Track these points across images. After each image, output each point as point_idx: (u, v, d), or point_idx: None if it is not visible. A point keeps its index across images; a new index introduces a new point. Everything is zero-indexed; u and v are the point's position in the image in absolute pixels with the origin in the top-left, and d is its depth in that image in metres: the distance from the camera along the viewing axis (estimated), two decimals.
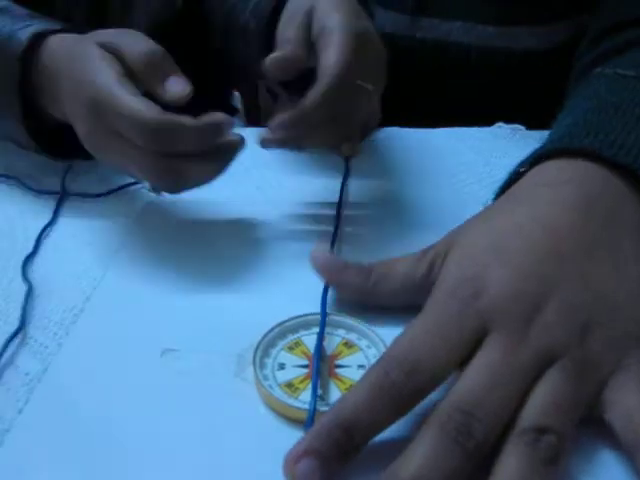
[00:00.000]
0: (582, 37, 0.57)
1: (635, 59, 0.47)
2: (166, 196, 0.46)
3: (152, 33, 0.68)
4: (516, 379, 0.27)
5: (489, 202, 0.38)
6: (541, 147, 0.37)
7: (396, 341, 0.29)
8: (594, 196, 0.33)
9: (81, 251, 0.43)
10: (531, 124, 0.56)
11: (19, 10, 0.49)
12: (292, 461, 0.26)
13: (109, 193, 0.49)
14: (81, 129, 0.42)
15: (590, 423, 0.29)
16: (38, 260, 0.43)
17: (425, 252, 0.35)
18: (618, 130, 0.35)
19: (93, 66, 0.41)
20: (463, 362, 0.28)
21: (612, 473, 0.28)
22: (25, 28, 0.46)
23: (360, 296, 0.36)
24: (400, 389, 0.27)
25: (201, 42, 0.78)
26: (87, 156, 0.44)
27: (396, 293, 0.35)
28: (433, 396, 0.28)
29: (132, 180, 0.50)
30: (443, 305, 0.30)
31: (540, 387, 0.27)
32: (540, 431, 0.26)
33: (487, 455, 0.26)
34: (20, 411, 0.31)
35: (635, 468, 0.27)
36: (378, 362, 0.28)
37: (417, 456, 0.25)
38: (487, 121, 0.59)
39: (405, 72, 0.51)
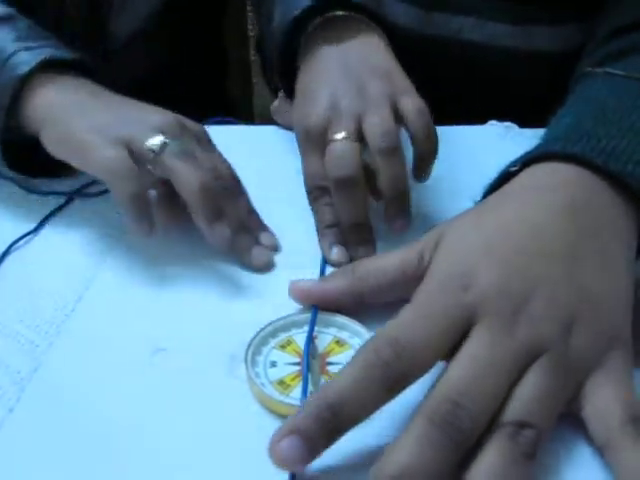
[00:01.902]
0: (590, 38, 0.57)
1: (637, 63, 0.47)
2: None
3: (151, 22, 0.66)
4: (501, 371, 0.28)
5: (478, 199, 0.38)
6: (534, 149, 0.37)
7: (386, 326, 0.29)
8: (583, 201, 0.33)
9: (73, 251, 0.43)
10: (534, 124, 0.56)
11: (24, 22, 0.48)
12: (277, 441, 0.26)
13: (101, 194, 0.49)
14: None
15: (572, 416, 0.29)
16: (30, 259, 0.42)
17: (413, 245, 0.35)
18: (611, 135, 0.36)
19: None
20: (450, 353, 0.29)
21: (592, 465, 0.28)
22: (33, 50, 0.44)
23: (349, 298, 0.35)
24: (389, 368, 0.27)
25: (199, 37, 0.78)
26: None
27: (387, 286, 0.35)
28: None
29: None
30: (433, 296, 0.31)
31: (524, 382, 0.28)
32: (521, 425, 0.26)
33: (472, 447, 0.26)
34: (11, 410, 0.31)
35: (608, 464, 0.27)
36: (368, 343, 0.29)
37: (404, 448, 0.26)
38: (488, 118, 0.59)
39: (412, 67, 0.51)
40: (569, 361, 0.29)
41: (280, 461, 0.26)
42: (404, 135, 0.45)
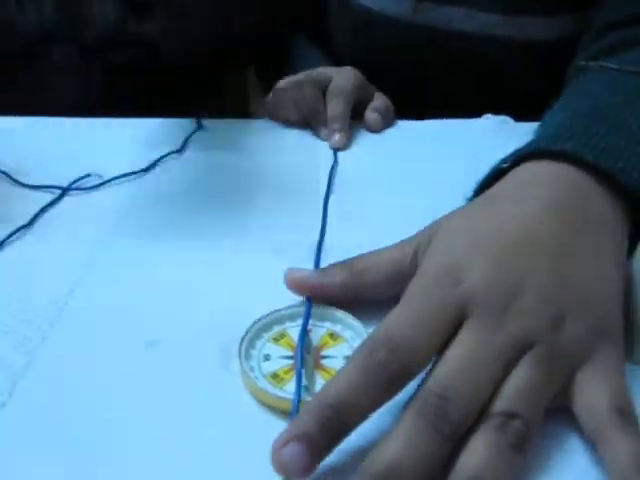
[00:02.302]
0: (586, 30, 0.57)
1: (633, 58, 0.47)
2: None
3: None
4: (490, 364, 0.28)
5: (470, 195, 0.38)
6: (526, 146, 0.37)
7: (378, 326, 0.29)
8: (573, 198, 0.34)
9: (66, 245, 0.43)
10: (528, 116, 0.56)
11: None
12: (279, 448, 0.25)
13: (95, 187, 0.49)
14: None
15: (561, 410, 0.29)
16: (23, 253, 0.42)
17: (408, 242, 0.35)
18: (603, 132, 0.36)
19: None
20: (444, 348, 0.29)
21: (581, 459, 0.28)
22: None
23: (345, 293, 0.35)
24: (385, 367, 0.27)
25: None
26: None
27: (383, 283, 0.35)
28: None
29: (117, 174, 0.50)
30: (423, 292, 0.31)
31: (512, 374, 0.28)
32: (509, 416, 0.26)
33: (461, 440, 0.26)
34: (4, 405, 0.31)
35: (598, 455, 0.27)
36: (362, 345, 0.29)
37: (392, 443, 0.26)
38: (482, 111, 0.59)
39: (402, 58, 0.51)
40: (558, 354, 0.29)
41: (284, 469, 0.25)
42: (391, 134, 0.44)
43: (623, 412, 0.27)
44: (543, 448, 0.28)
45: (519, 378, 0.28)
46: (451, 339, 0.29)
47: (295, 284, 0.36)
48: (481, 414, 0.27)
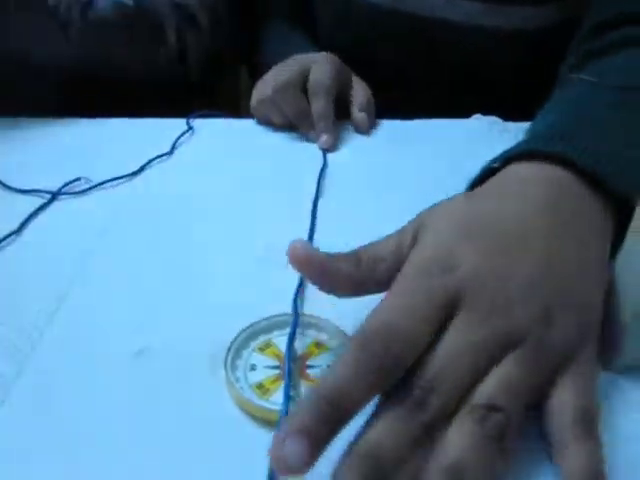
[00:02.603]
0: (571, 21, 0.57)
1: (621, 61, 0.47)
2: None
3: None
4: (475, 357, 0.28)
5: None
6: (516, 146, 0.37)
7: (368, 318, 0.29)
8: (562, 197, 0.34)
9: (56, 250, 0.43)
10: (511, 106, 0.56)
11: None
12: (279, 444, 0.25)
13: (85, 192, 0.49)
14: None
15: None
16: (13, 259, 0.42)
17: (404, 231, 0.34)
18: (591, 135, 0.36)
19: None
20: (437, 335, 0.29)
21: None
22: None
23: (352, 286, 0.33)
24: (378, 357, 0.27)
25: None
26: None
27: (389, 274, 0.33)
28: None
29: (107, 177, 0.50)
30: (413, 282, 0.30)
31: (497, 368, 0.28)
32: (489, 409, 0.27)
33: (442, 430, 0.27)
34: None
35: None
36: (354, 336, 0.28)
37: (373, 432, 0.26)
38: (466, 101, 0.59)
39: (385, 46, 0.50)
40: (543, 352, 0.29)
41: (285, 466, 0.24)
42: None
43: (586, 421, 0.28)
44: (524, 451, 0.28)
45: (502, 372, 0.28)
46: (444, 326, 0.29)
47: (297, 261, 0.33)
48: (465, 404, 0.27)
